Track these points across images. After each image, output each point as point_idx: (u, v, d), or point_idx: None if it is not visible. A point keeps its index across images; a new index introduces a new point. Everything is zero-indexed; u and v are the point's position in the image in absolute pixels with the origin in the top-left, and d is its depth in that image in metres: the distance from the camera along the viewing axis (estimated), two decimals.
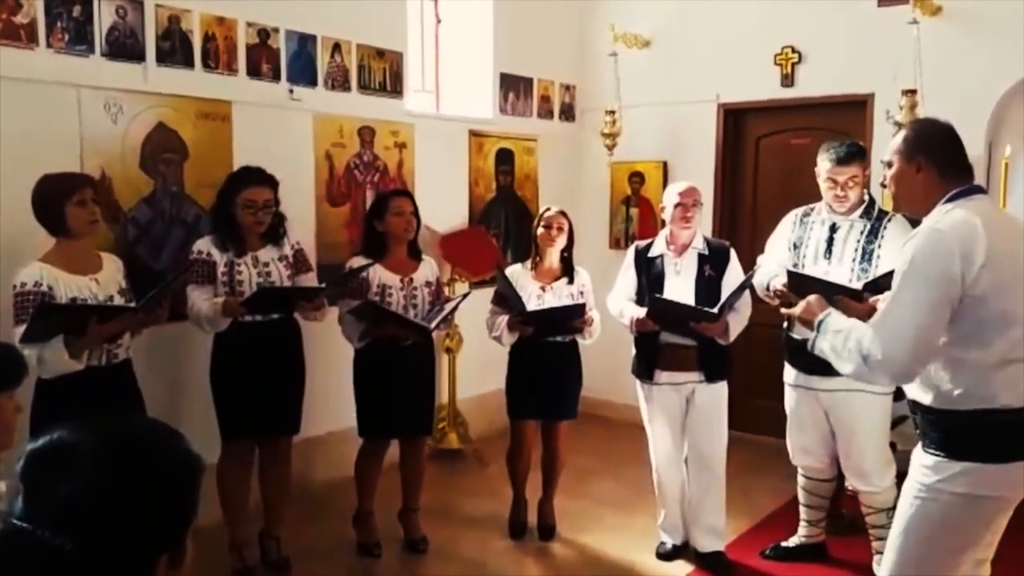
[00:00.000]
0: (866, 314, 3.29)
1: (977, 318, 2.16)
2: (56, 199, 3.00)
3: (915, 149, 2.34)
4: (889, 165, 2.42)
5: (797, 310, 2.56)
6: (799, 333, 3.57)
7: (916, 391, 2.31)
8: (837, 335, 2.32)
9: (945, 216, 2.24)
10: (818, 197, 3.64)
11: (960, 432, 2.21)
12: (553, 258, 4.02)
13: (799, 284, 3.43)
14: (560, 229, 3.98)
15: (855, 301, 3.27)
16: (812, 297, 2.54)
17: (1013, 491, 2.26)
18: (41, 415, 2.89)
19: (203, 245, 3.52)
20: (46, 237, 3.08)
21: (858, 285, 3.30)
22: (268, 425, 3.62)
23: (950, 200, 2.28)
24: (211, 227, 3.64)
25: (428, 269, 3.95)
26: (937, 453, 2.25)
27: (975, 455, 2.20)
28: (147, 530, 1.06)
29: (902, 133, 2.43)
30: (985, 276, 2.14)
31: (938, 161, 2.32)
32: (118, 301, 3.13)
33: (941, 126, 2.39)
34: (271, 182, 3.58)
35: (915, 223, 3.40)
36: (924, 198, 2.34)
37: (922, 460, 2.30)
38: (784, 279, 3.44)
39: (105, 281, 3.13)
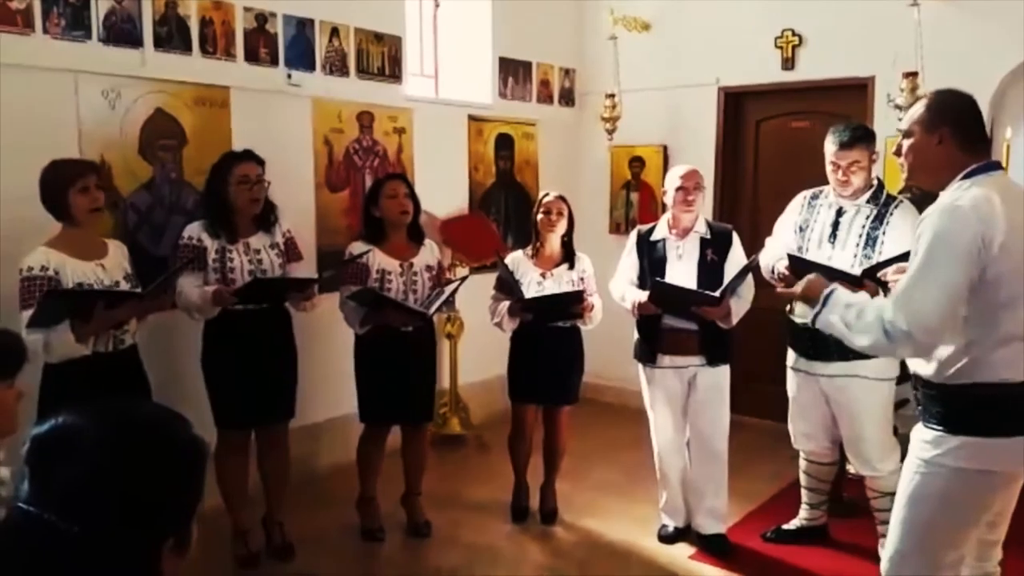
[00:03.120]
0: None
1: (989, 296, 2.14)
2: (59, 186, 3.01)
3: (938, 120, 2.27)
4: (908, 135, 2.34)
5: (798, 288, 2.52)
6: (800, 316, 3.58)
7: (919, 363, 2.30)
8: (848, 309, 2.28)
9: (964, 193, 2.19)
10: (819, 180, 3.63)
11: (959, 406, 2.21)
12: (554, 244, 4.02)
13: (800, 268, 3.43)
14: (560, 214, 3.97)
15: (854, 287, 3.27)
16: (812, 275, 2.50)
17: (1012, 466, 2.25)
18: (48, 400, 2.92)
19: (193, 231, 3.49)
20: (45, 223, 3.08)
21: (859, 271, 3.30)
22: (262, 413, 3.62)
23: (967, 176, 2.23)
24: (202, 213, 3.61)
25: (428, 253, 3.93)
26: (937, 427, 2.25)
27: (974, 429, 2.19)
28: (152, 514, 1.06)
29: (923, 102, 2.34)
30: (1002, 255, 2.11)
31: (961, 134, 2.26)
32: (124, 287, 3.14)
33: (965, 97, 2.32)
34: (259, 160, 3.56)
35: (921, 207, 3.41)
36: (942, 171, 2.28)
37: (922, 435, 2.30)
38: (788, 262, 3.44)
39: (111, 267, 3.14)
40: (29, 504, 1.02)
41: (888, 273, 2.44)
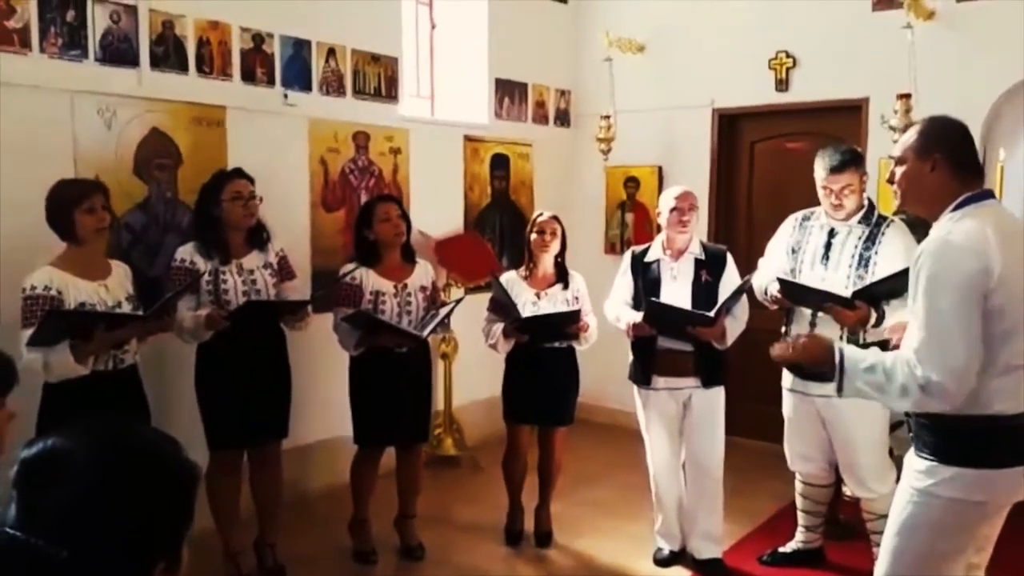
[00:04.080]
0: (858, 321, 3.28)
1: (988, 327, 2.11)
2: (66, 206, 3.03)
3: (931, 146, 2.24)
4: (900, 161, 2.31)
5: (791, 352, 2.36)
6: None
7: None
8: (872, 372, 2.19)
9: (956, 225, 2.16)
10: (814, 201, 3.64)
11: (953, 437, 2.19)
12: (547, 264, 4.01)
13: (791, 291, 3.43)
14: (553, 234, 3.97)
15: (847, 309, 3.27)
16: (804, 338, 2.36)
17: (1004, 497, 2.24)
18: (47, 419, 2.90)
19: (186, 253, 3.47)
20: (39, 242, 3.07)
21: (850, 293, 3.30)
22: (255, 433, 3.59)
23: (959, 207, 2.20)
24: (194, 235, 3.59)
25: (423, 273, 3.93)
26: (930, 457, 2.23)
27: (967, 460, 2.17)
28: (142, 538, 1.04)
29: (916, 128, 2.31)
30: (1000, 287, 2.09)
31: (954, 161, 2.23)
32: (126, 308, 3.14)
33: (957, 124, 2.29)
34: (249, 177, 3.57)
35: (914, 228, 3.42)
36: (934, 199, 2.25)
37: (915, 464, 2.28)
38: (779, 286, 3.43)
39: (114, 287, 3.15)
40: (16, 528, 1.00)
41: (888, 332, 2.39)
